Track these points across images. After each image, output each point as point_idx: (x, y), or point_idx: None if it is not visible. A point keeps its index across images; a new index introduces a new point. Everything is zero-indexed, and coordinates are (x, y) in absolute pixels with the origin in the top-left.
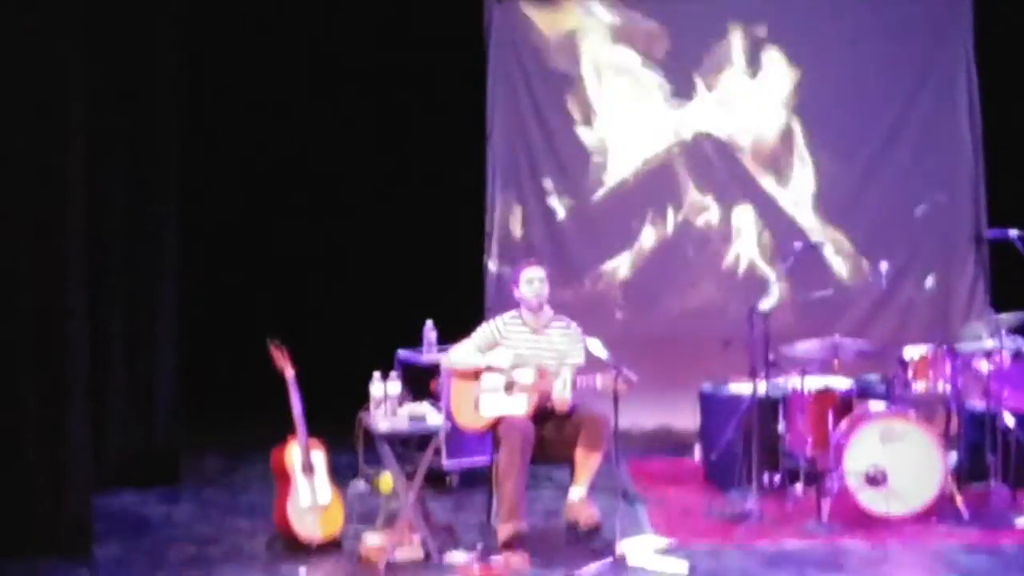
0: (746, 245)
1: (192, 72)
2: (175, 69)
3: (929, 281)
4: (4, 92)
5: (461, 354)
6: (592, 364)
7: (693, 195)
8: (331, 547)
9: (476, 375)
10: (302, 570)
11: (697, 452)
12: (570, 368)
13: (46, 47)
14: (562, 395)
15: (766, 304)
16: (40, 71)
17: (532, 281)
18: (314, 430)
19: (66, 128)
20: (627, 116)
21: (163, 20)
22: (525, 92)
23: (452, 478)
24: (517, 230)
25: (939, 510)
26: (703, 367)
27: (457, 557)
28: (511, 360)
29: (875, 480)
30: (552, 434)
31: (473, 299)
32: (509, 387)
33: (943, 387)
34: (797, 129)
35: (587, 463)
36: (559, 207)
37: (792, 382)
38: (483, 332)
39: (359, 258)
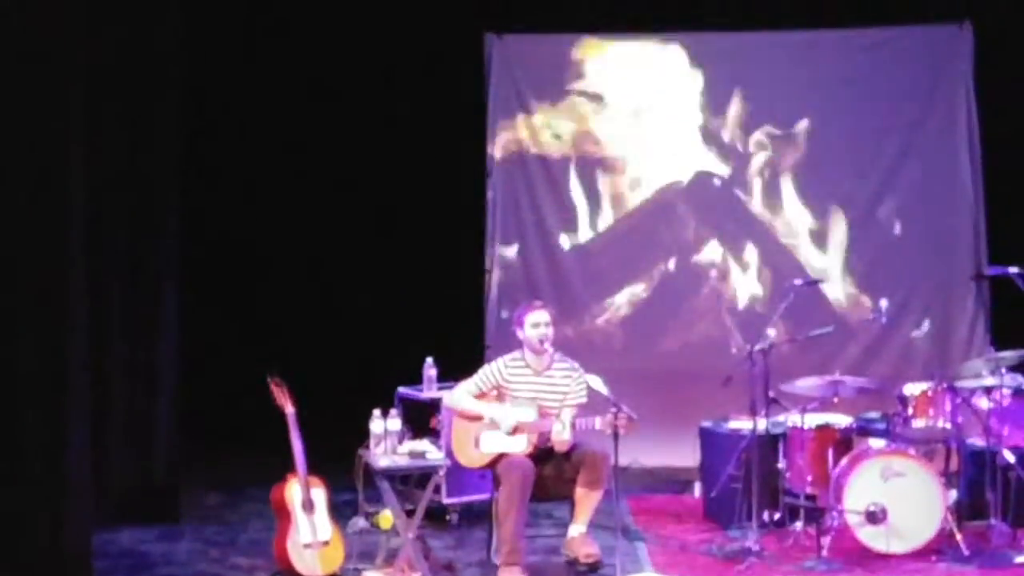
0: (746, 282)
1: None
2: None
3: (928, 319)
4: (4, 91)
5: (464, 398)
6: (593, 401)
7: (694, 232)
8: None
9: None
10: None
11: (697, 489)
12: (571, 409)
13: (46, 43)
14: (561, 436)
15: (764, 341)
16: (40, 68)
17: (537, 325)
18: (314, 467)
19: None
20: (630, 151)
21: (164, 19)
22: (526, 127)
23: (452, 515)
24: (517, 267)
25: (939, 547)
26: (703, 404)
27: None
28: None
29: (875, 517)
30: (552, 472)
31: (473, 336)
32: (512, 431)
33: (943, 424)
34: (798, 168)
35: (587, 500)
36: (560, 244)
37: (792, 419)
38: (485, 373)
39: (359, 295)
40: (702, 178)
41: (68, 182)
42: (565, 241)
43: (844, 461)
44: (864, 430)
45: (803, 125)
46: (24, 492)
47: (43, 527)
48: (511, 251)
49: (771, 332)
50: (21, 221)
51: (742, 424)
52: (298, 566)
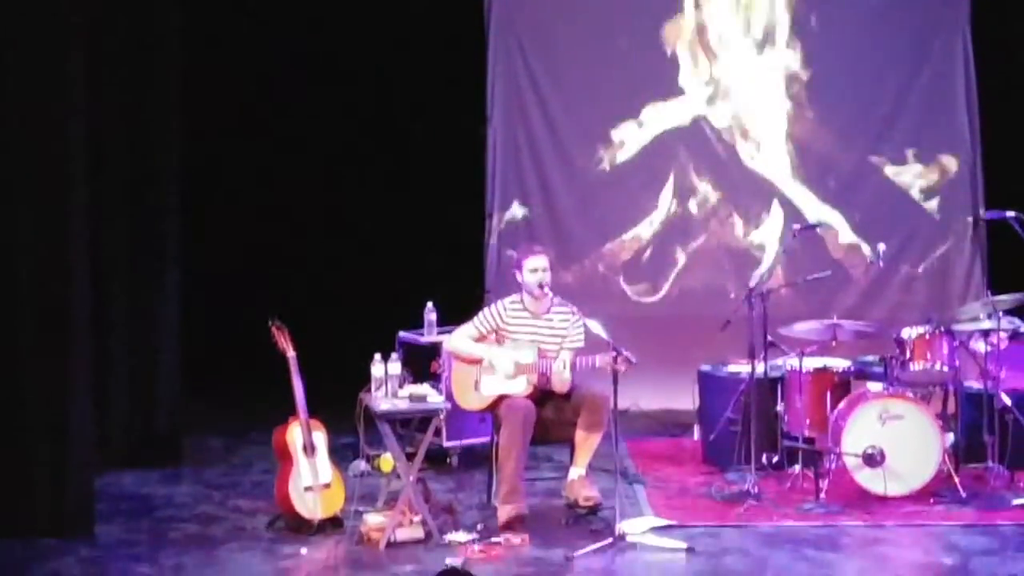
0: (745, 227)
1: (192, 60)
2: (176, 55)
3: (926, 262)
4: (4, 90)
5: (464, 341)
6: (592, 345)
7: (693, 178)
8: (332, 527)
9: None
10: (303, 550)
11: (696, 432)
12: (569, 350)
13: (46, 39)
14: (562, 376)
15: (757, 278)
16: (40, 64)
17: (536, 270)
18: (315, 411)
19: (67, 111)
20: (629, 98)
21: (163, 10)
22: (525, 73)
23: (452, 458)
24: (517, 211)
25: (937, 490)
26: (702, 347)
27: (458, 537)
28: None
29: (873, 460)
30: (552, 415)
31: (473, 280)
32: (512, 373)
33: (940, 368)
34: (796, 113)
35: (587, 443)
36: (560, 189)
37: (790, 363)
38: (484, 316)
39: (360, 240)
40: (700, 123)
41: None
42: (565, 186)
43: (842, 404)
44: (862, 373)
45: (800, 72)
46: (26, 438)
47: (46, 471)
48: (510, 196)
49: (763, 270)
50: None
51: (741, 368)
52: (299, 509)
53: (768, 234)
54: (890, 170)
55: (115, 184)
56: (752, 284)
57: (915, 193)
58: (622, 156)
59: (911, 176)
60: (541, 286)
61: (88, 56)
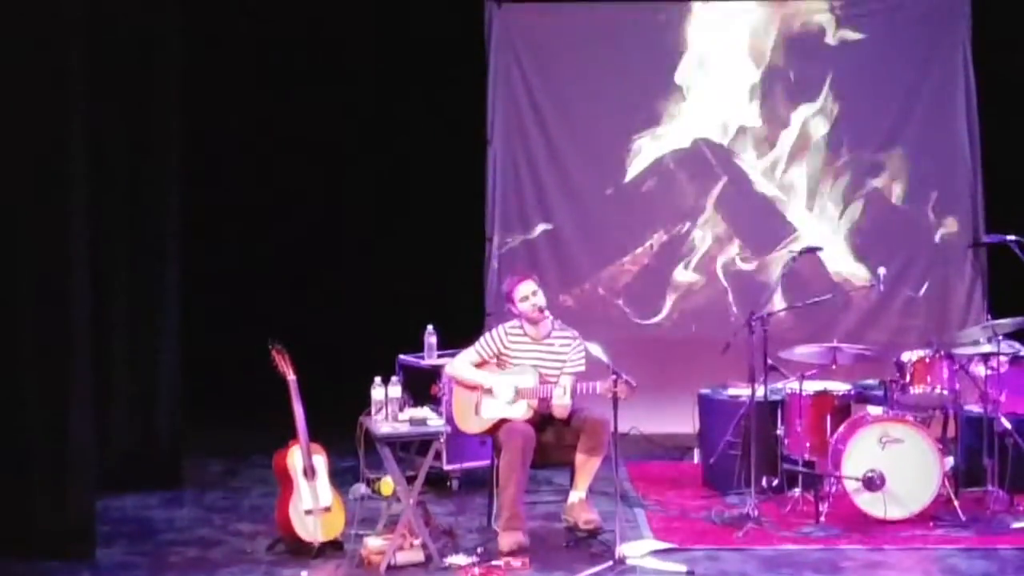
0: (744, 250)
1: (192, 60)
2: (176, 55)
3: (926, 286)
4: (4, 89)
5: (465, 367)
6: (593, 369)
7: (693, 200)
8: (332, 550)
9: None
10: (303, 573)
11: (696, 456)
12: (570, 376)
13: (46, 38)
14: (562, 401)
15: (763, 309)
16: (40, 63)
17: (526, 297)
18: (315, 434)
19: (67, 111)
20: (630, 120)
21: (163, 10)
22: (525, 95)
23: (453, 481)
24: (518, 235)
25: (936, 514)
26: (702, 371)
27: (458, 560)
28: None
29: (873, 484)
30: (552, 438)
31: (474, 303)
32: (512, 399)
33: (940, 391)
34: (796, 134)
35: (587, 467)
36: (560, 211)
37: (791, 386)
38: (486, 342)
39: (360, 262)
40: (701, 145)
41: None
42: (565, 209)
43: (842, 428)
44: (862, 397)
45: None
46: (27, 460)
47: (47, 493)
48: (511, 219)
49: (772, 295)
50: (23, 184)
51: (741, 391)
52: (300, 532)
53: (768, 257)
54: (890, 193)
55: (115, 184)
56: (759, 313)
57: (916, 217)
58: (623, 178)
59: (912, 200)
60: (540, 309)
61: (88, 55)
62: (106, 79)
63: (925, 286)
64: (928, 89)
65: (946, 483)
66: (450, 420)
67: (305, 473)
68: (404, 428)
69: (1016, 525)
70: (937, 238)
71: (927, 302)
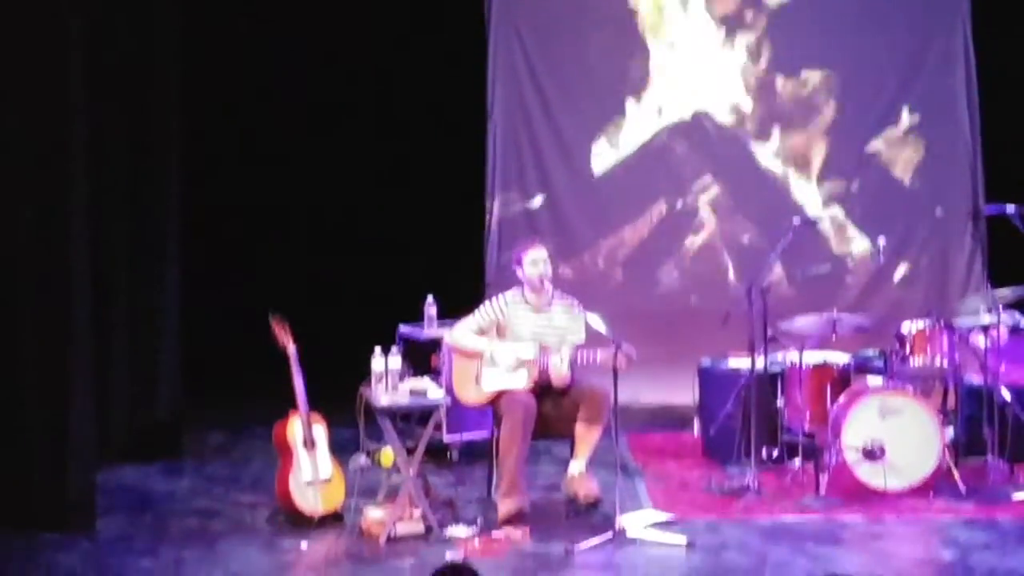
0: (744, 221)
1: (192, 60)
2: (176, 53)
3: (926, 257)
4: (4, 90)
5: (465, 335)
6: (592, 340)
7: (693, 172)
8: (332, 521)
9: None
10: (303, 544)
11: (696, 427)
12: (570, 345)
13: (46, 39)
14: (560, 370)
15: (764, 280)
16: (40, 64)
17: (536, 263)
18: (315, 405)
19: (67, 111)
20: (629, 92)
21: (163, 10)
22: (525, 67)
23: (453, 452)
24: (518, 205)
25: (936, 484)
26: (702, 342)
27: (458, 531)
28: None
29: (873, 454)
30: (552, 409)
31: (473, 274)
32: (513, 367)
33: (940, 362)
34: (796, 106)
35: (587, 438)
36: (560, 182)
37: (790, 357)
38: (486, 310)
39: (359, 233)
40: (701, 118)
41: (70, 131)
42: (565, 180)
43: (842, 399)
44: (862, 368)
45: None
46: (27, 432)
47: (47, 465)
48: (511, 190)
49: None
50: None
51: (740, 362)
52: (300, 503)
53: (767, 229)
54: (890, 164)
55: (115, 184)
56: (759, 285)
57: (915, 188)
58: (623, 150)
59: (911, 171)
60: (541, 279)
61: (88, 56)
62: (106, 79)
63: (925, 257)
64: (929, 62)
65: (946, 454)
66: (450, 391)
67: (305, 444)
68: (404, 399)
69: (1016, 496)
70: (937, 210)
71: (927, 273)
